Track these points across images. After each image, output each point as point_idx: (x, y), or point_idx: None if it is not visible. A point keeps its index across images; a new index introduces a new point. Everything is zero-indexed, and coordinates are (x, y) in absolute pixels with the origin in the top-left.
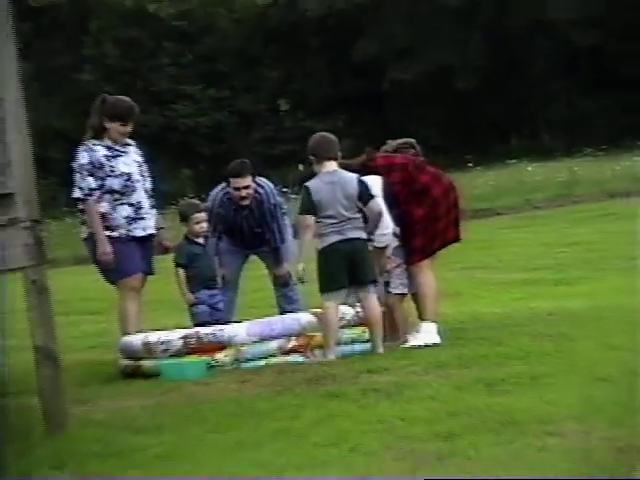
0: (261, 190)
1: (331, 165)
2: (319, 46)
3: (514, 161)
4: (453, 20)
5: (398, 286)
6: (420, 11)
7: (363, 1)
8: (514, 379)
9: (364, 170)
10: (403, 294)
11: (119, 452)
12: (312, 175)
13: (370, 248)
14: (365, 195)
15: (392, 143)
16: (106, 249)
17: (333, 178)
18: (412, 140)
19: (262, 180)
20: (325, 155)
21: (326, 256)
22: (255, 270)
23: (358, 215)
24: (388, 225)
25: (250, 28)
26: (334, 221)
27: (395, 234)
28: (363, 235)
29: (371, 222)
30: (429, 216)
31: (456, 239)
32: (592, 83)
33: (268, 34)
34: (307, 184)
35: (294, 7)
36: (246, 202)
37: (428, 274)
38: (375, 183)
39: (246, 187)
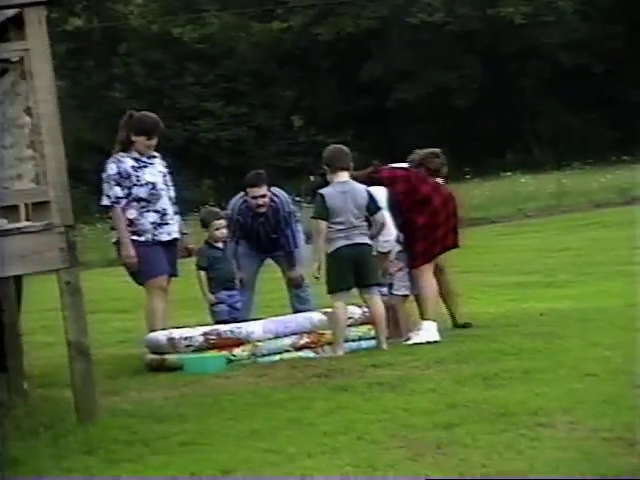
0: (276, 199)
1: (344, 175)
2: (329, 68)
3: (508, 174)
4: (452, 45)
5: (400, 288)
6: (421, 37)
7: (370, 27)
8: (508, 374)
9: (370, 181)
10: (405, 295)
11: (144, 439)
12: (323, 185)
13: (374, 253)
14: (373, 206)
15: (419, 152)
16: (130, 252)
17: (345, 188)
18: (437, 150)
19: (277, 190)
20: (338, 165)
21: (334, 259)
22: (271, 273)
23: (364, 223)
24: (391, 233)
25: (266, 51)
26: (343, 227)
27: (398, 240)
28: (368, 241)
29: (374, 230)
30: (430, 224)
31: (455, 245)
32: (578, 101)
33: (283, 57)
34: (322, 191)
35: (306, 32)
36: (263, 210)
37: (429, 277)
38: (381, 194)
39: (262, 196)
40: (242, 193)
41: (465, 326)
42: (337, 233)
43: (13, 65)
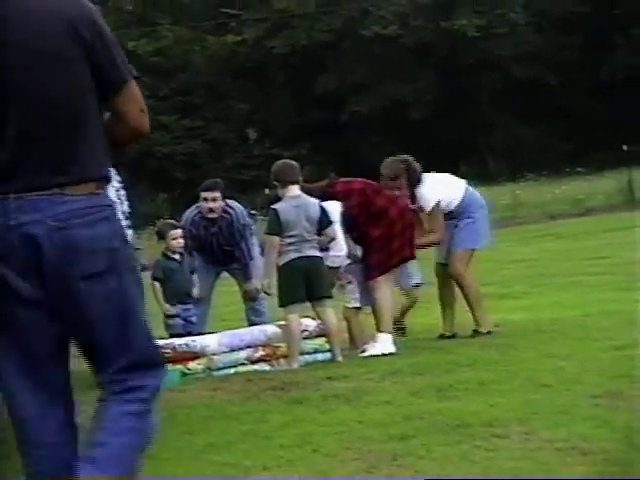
0: (231, 211)
1: (294, 189)
2: (284, 80)
3: None
4: (406, 57)
5: (351, 300)
6: (375, 49)
7: (324, 40)
8: (463, 385)
9: (324, 195)
10: (357, 307)
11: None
12: (278, 199)
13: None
14: (324, 221)
15: (388, 160)
16: None
17: (299, 202)
18: (409, 158)
19: (232, 202)
20: (288, 179)
21: (285, 271)
22: (227, 286)
23: (315, 236)
24: (342, 248)
25: (221, 64)
26: (294, 240)
27: (351, 253)
28: (319, 253)
29: (323, 242)
30: (386, 235)
31: (411, 256)
32: (532, 113)
33: (237, 70)
34: (275, 206)
35: (261, 45)
36: (213, 215)
37: (385, 289)
38: (334, 209)
39: (214, 199)
40: (196, 205)
41: (485, 333)
42: (288, 246)
43: None
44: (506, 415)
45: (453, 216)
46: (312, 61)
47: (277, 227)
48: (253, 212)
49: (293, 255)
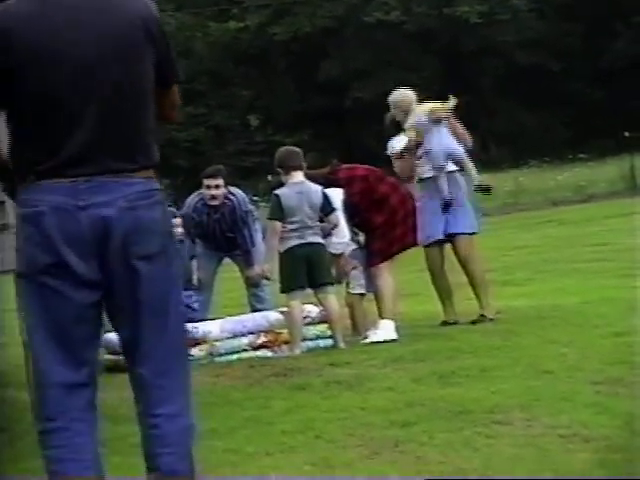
0: (233, 198)
1: (298, 175)
2: (286, 67)
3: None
4: (408, 44)
5: (356, 287)
6: (378, 36)
7: (326, 26)
8: (465, 372)
9: (327, 182)
10: (361, 294)
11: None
12: (280, 184)
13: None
14: (327, 207)
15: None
16: None
17: (302, 188)
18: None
19: (234, 189)
20: (291, 165)
21: (287, 258)
22: (229, 272)
23: (317, 223)
24: (344, 235)
25: (223, 51)
26: (296, 226)
27: (355, 240)
28: (321, 240)
29: (326, 229)
30: (388, 222)
31: (414, 244)
32: (535, 99)
33: (240, 56)
34: (277, 192)
35: (263, 32)
36: (216, 202)
37: (386, 276)
38: (336, 196)
39: (217, 187)
40: (198, 191)
41: (491, 319)
42: (290, 232)
43: None
44: (508, 402)
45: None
46: (314, 48)
47: (279, 212)
48: (255, 198)
49: (295, 242)
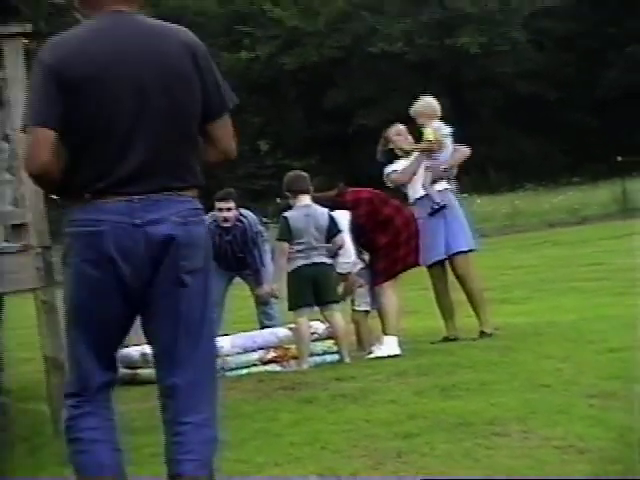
0: (244, 219)
1: (305, 199)
2: (295, 95)
3: (465, 195)
4: (411, 73)
5: (361, 304)
6: (382, 65)
7: (333, 56)
8: (465, 385)
9: (334, 204)
10: (366, 311)
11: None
12: (289, 207)
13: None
14: (333, 229)
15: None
16: None
17: (309, 211)
18: None
19: (245, 211)
20: (299, 189)
21: (294, 277)
22: (240, 291)
23: (323, 244)
24: (350, 255)
25: (235, 80)
26: (303, 247)
27: (361, 258)
28: (327, 260)
29: (331, 250)
30: (391, 243)
31: (416, 264)
32: (532, 127)
33: (251, 85)
34: (286, 214)
35: (273, 62)
36: (228, 224)
37: (390, 294)
38: (342, 218)
39: (228, 209)
40: (211, 213)
41: (490, 334)
42: (297, 253)
43: None
44: (506, 414)
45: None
46: (321, 77)
47: (287, 234)
48: (265, 220)
49: (301, 262)
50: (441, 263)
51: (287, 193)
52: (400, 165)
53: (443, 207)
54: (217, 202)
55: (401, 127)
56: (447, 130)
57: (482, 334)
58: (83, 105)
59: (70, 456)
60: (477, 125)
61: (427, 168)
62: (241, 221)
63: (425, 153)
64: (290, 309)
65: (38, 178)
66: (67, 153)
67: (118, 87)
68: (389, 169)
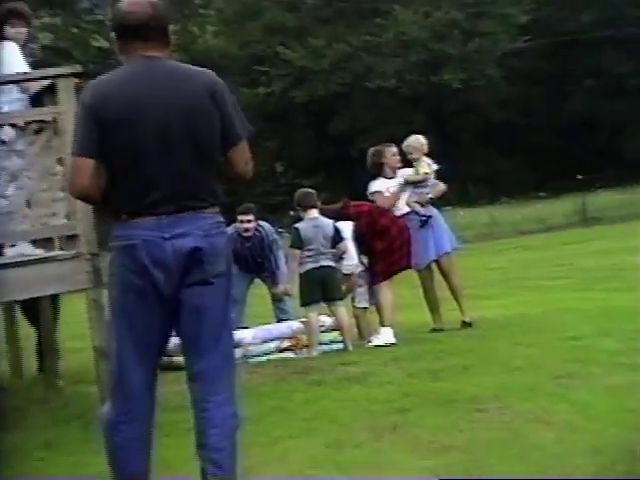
0: (261, 230)
1: (313, 212)
2: (305, 124)
3: (448, 208)
4: (403, 105)
5: (361, 301)
6: (378, 98)
7: (337, 90)
8: (450, 369)
9: (339, 216)
10: (365, 307)
11: (157, 425)
12: (299, 219)
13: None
14: (337, 237)
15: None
16: None
17: (317, 222)
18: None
19: (262, 223)
20: (307, 205)
21: (305, 278)
22: (259, 290)
23: (330, 250)
24: (353, 258)
25: (254, 111)
26: (312, 253)
27: (362, 262)
28: (332, 264)
29: (337, 254)
30: (387, 249)
31: (408, 267)
32: (506, 149)
33: (267, 115)
34: (297, 226)
35: (286, 96)
36: (248, 233)
37: (386, 292)
38: (346, 228)
39: (249, 221)
40: (233, 225)
41: (470, 325)
42: (307, 258)
43: (48, 124)
44: (485, 393)
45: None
46: (327, 108)
47: (299, 242)
48: (280, 230)
49: (311, 265)
50: (429, 265)
51: (297, 207)
52: (383, 185)
53: (430, 217)
54: (239, 215)
55: (396, 149)
56: (435, 166)
57: (464, 324)
58: (117, 141)
59: (105, 452)
60: (459, 148)
61: (414, 194)
62: (259, 231)
63: (414, 183)
64: (302, 305)
65: (79, 198)
66: (106, 178)
67: (147, 125)
68: (373, 187)
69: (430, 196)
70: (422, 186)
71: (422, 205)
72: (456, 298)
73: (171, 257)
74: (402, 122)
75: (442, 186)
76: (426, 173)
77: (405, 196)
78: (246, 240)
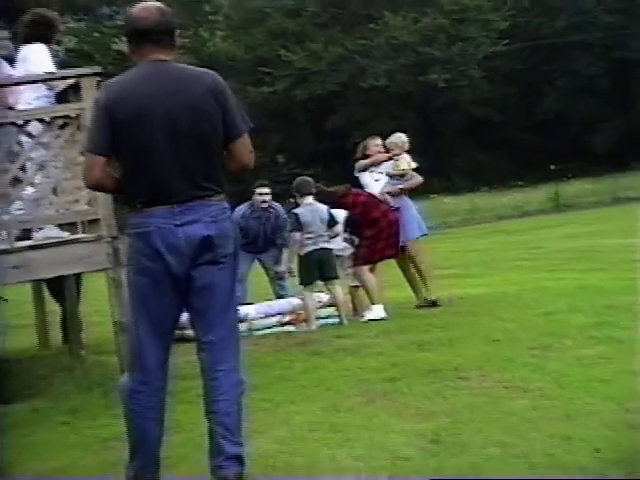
0: (276, 208)
1: (309, 198)
2: (305, 120)
3: (434, 196)
4: (393, 102)
5: (354, 280)
6: (371, 96)
7: (333, 89)
8: (436, 341)
9: (335, 203)
10: (357, 286)
11: (171, 392)
12: (297, 205)
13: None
14: (332, 221)
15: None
16: None
17: (313, 207)
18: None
19: (275, 203)
20: (305, 192)
21: (304, 259)
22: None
23: (326, 232)
24: (340, 242)
25: (259, 108)
26: (311, 236)
27: (352, 243)
28: (329, 246)
29: (330, 235)
30: (373, 236)
31: (393, 255)
32: (486, 142)
33: (271, 112)
34: (295, 211)
35: (287, 94)
36: (266, 205)
37: (367, 273)
38: (340, 214)
39: (267, 193)
40: (249, 202)
41: (436, 303)
42: (307, 240)
43: (72, 120)
44: (467, 363)
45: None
46: (325, 105)
47: (298, 226)
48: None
49: (311, 247)
50: (402, 248)
51: (295, 194)
52: (370, 179)
53: (397, 208)
54: (257, 189)
55: (380, 141)
56: (414, 164)
57: (433, 303)
58: (130, 138)
59: (124, 418)
60: (443, 141)
61: (388, 184)
62: (274, 208)
63: (401, 175)
64: (301, 284)
65: (94, 189)
66: (121, 172)
67: (156, 124)
68: (363, 181)
69: (400, 187)
70: (400, 180)
71: (393, 195)
72: (423, 280)
73: (183, 242)
74: (393, 118)
75: (419, 179)
76: (404, 169)
77: (380, 185)
78: (265, 211)
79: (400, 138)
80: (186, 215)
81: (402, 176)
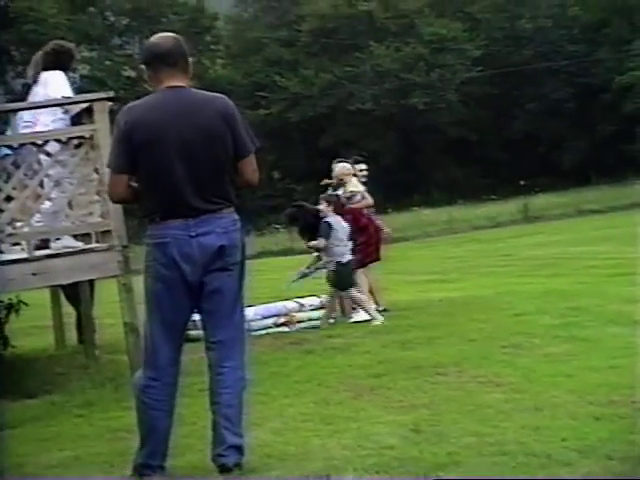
0: None
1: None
2: (298, 139)
3: (415, 208)
4: (378, 124)
5: None
6: (358, 119)
7: (324, 112)
8: (417, 340)
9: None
10: None
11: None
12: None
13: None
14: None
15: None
16: None
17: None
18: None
19: None
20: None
21: (345, 267)
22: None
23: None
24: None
25: (255, 129)
26: (348, 245)
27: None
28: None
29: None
30: (366, 242)
31: (378, 259)
32: (462, 160)
33: (267, 132)
34: (328, 220)
35: (282, 116)
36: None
37: (362, 277)
38: (336, 220)
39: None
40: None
41: (385, 310)
42: (345, 249)
43: (86, 140)
44: (446, 360)
45: None
46: (316, 126)
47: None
48: (276, 226)
49: (348, 257)
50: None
51: (329, 200)
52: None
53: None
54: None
55: (349, 166)
56: (361, 187)
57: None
58: (148, 158)
59: (136, 410)
60: (423, 158)
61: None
62: None
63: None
64: (343, 290)
65: (119, 203)
66: (140, 188)
67: (171, 146)
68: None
69: (351, 206)
70: (350, 201)
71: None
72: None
73: (197, 252)
74: (378, 138)
75: (368, 201)
76: (351, 191)
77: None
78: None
79: (344, 167)
80: (200, 227)
81: (349, 198)
